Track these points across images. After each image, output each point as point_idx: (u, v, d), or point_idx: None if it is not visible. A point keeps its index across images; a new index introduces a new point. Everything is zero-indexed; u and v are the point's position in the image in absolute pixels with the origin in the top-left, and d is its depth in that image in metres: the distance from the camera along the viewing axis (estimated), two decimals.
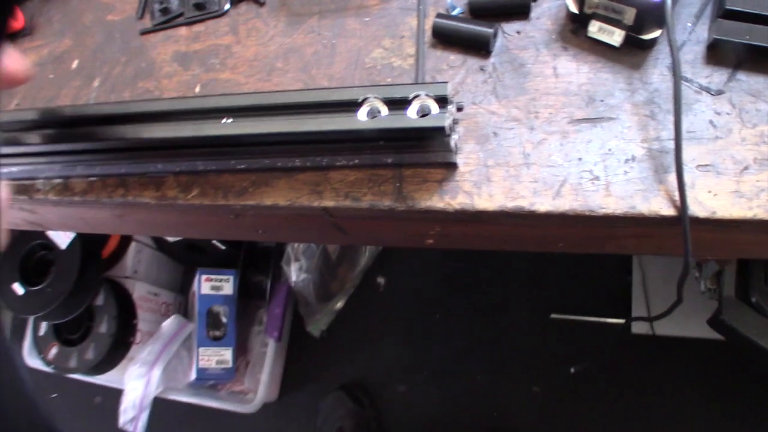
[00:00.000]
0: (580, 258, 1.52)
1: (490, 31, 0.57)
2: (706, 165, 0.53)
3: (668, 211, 0.52)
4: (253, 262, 1.66)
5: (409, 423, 1.54)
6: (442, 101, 0.50)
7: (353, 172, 0.58)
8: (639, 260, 1.39)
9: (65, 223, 0.81)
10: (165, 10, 0.68)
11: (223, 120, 0.54)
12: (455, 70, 0.59)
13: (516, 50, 0.59)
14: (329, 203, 0.57)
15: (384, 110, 0.51)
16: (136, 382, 1.53)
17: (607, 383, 1.43)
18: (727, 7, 0.54)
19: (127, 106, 0.56)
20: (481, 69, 0.59)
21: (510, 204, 0.54)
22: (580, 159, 0.55)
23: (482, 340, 1.55)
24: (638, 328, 1.37)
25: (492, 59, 0.59)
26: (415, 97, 0.50)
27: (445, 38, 0.59)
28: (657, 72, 0.56)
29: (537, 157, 0.55)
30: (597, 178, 0.54)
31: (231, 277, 1.61)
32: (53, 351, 1.56)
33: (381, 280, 1.69)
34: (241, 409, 1.53)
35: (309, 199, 0.58)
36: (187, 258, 1.72)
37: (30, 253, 1.56)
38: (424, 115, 0.50)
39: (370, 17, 0.63)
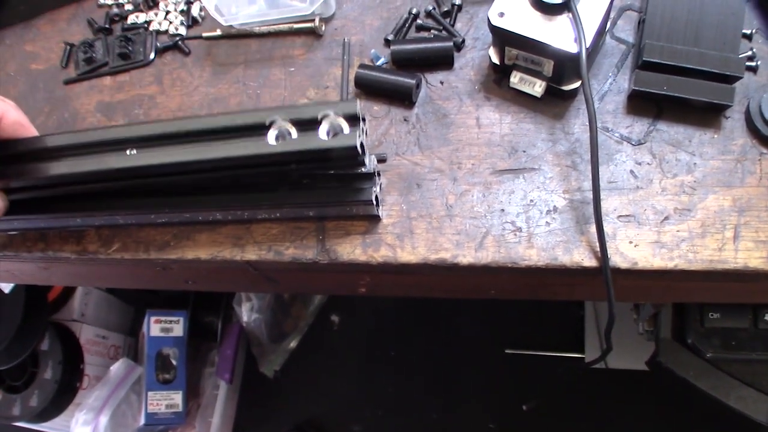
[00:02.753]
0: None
1: (413, 81, 0.57)
2: (627, 215, 0.53)
3: (590, 262, 0.52)
4: (204, 302, 1.63)
5: None
6: (353, 120, 0.48)
7: (276, 224, 0.57)
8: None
9: None
10: (89, 60, 0.67)
11: (128, 151, 0.51)
12: (379, 121, 0.59)
13: (439, 100, 0.59)
14: (252, 257, 0.56)
15: (294, 132, 0.49)
16: (83, 429, 1.48)
17: (562, 417, 1.43)
18: (644, 58, 0.55)
19: (28, 142, 0.53)
20: (405, 119, 0.59)
21: (433, 257, 0.54)
22: (502, 210, 0.54)
23: (438, 376, 1.53)
24: (591, 359, 1.37)
25: (416, 109, 0.59)
26: (324, 116, 0.48)
27: (368, 89, 0.59)
28: (579, 122, 0.56)
29: (460, 208, 0.55)
30: (519, 229, 0.54)
31: (181, 319, 1.57)
32: None
33: (335, 318, 1.67)
34: None
35: (231, 252, 0.57)
36: (137, 299, 1.68)
37: None
38: (336, 135, 0.48)
39: (295, 67, 0.62)
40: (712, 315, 0.77)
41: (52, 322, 1.53)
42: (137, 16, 0.67)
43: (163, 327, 1.57)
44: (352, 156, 0.48)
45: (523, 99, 0.58)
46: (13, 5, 0.70)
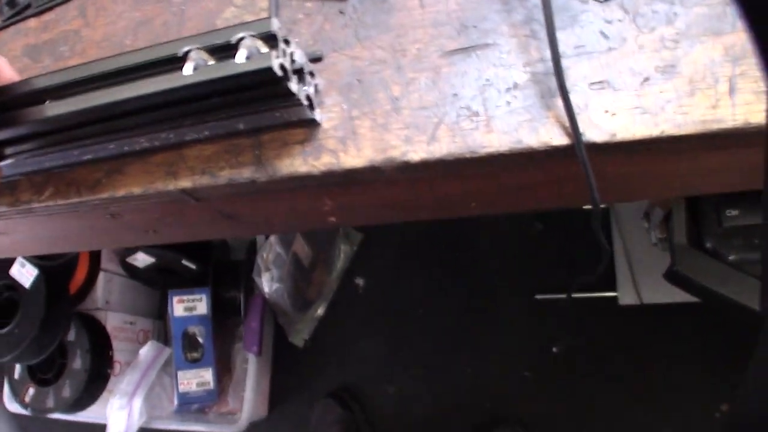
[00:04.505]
0: (560, 236, 1.44)
1: None
2: (600, 82, 0.46)
3: (560, 140, 0.45)
4: (224, 277, 1.60)
5: (401, 424, 1.46)
6: (272, 40, 0.43)
7: (209, 145, 0.51)
8: (619, 228, 1.30)
9: None
10: (12, 3, 0.62)
11: (47, 102, 0.47)
12: (311, 18, 0.52)
13: None
14: (186, 183, 0.51)
15: (210, 61, 0.44)
16: (118, 415, 1.47)
17: (597, 358, 1.35)
18: None
19: None
20: (340, 12, 0.52)
21: (380, 157, 0.47)
22: (455, 95, 0.47)
23: (468, 330, 1.46)
24: (625, 298, 1.27)
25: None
26: (240, 40, 0.43)
27: None
28: None
29: (407, 99, 0.48)
30: (476, 113, 0.46)
31: (203, 296, 1.55)
32: (30, 392, 1.51)
33: (360, 281, 1.61)
34: (229, 429, 1.46)
35: (164, 182, 0.51)
36: (158, 282, 1.66)
37: None
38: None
39: None
40: (729, 213, 0.68)
41: (78, 312, 1.52)
42: None
43: (187, 306, 1.55)
44: (272, 81, 0.42)
45: None
46: None
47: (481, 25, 0.48)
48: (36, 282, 1.44)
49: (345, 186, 0.52)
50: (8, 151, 0.51)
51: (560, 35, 0.46)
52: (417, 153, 0.46)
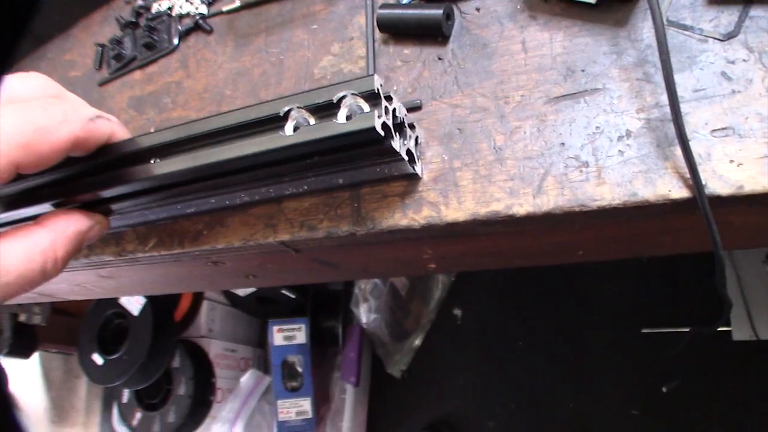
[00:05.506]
0: (665, 266, 1.36)
1: (440, 12, 0.49)
2: (724, 128, 0.42)
3: (680, 192, 0.41)
4: (323, 307, 1.62)
5: None
6: (374, 97, 0.42)
7: (307, 198, 0.51)
8: (731, 259, 1.21)
9: (63, 290, 0.78)
10: (118, 57, 0.64)
11: (152, 161, 0.48)
12: (410, 65, 0.51)
13: (477, 30, 0.50)
14: (285, 236, 0.50)
15: (311, 120, 0.43)
16: None
17: (709, 397, 1.26)
18: None
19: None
20: (439, 58, 0.50)
21: (483, 210, 0.45)
22: (562, 144, 0.45)
23: (570, 363, 1.41)
24: (739, 333, 1.19)
25: (450, 45, 0.50)
26: (342, 98, 0.42)
27: (395, 30, 0.51)
28: (647, 25, 0.45)
29: (511, 149, 0.46)
30: (585, 164, 0.44)
31: (302, 326, 1.57)
32: (137, 417, 1.56)
33: (457, 312, 1.58)
34: None
35: (264, 234, 0.51)
36: (259, 311, 1.70)
37: (106, 322, 1.58)
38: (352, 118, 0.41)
39: (317, 24, 0.56)
40: None
41: (182, 339, 1.57)
42: (160, 4, 0.64)
43: (286, 335, 1.57)
44: (374, 140, 0.41)
45: (575, 10, 0.47)
46: (49, 16, 0.69)
47: (589, 69, 0.46)
48: (143, 310, 1.50)
49: (446, 238, 0.50)
50: (115, 206, 0.52)
51: (677, 78, 0.43)
52: (522, 206, 0.44)
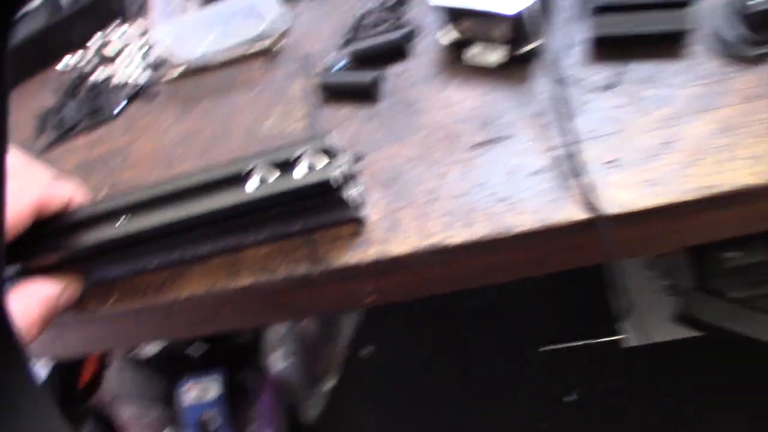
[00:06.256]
0: (553, 285, 1.50)
1: (369, 78, 0.57)
2: (612, 160, 0.52)
3: (581, 215, 0.51)
4: (235, 359, 1.62)
5: None
6: (328, 153, 0.49)
7: (264, 246, 0.56)
8: (619, 270, 1.36)
9: None
10: (60, 123, 0.67)
11: (121, 219, 0.52)
12: (348, 123, 0.59)
13: (403, 90, 0.58)
14: (245, 282, 0.56)
15: (275, 175, 0.49)
16: None
17: (612, 401, 1.39)
18: (598, 4, 0.54)
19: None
20: (373, 116, 0.58)
21: (424, 243, 0.53)
22: (484, 183, 0.53)
23: (479, 390, 1.50)
24: (633, 339, 1.32)
25: (382, 104, 0.58)
26: (301, 155, 0.49)
27: (332, 94, 0.59)
28: (544, 81, 0.56)
29: (442, 190, 0.54)
30: (505, 198, 0.52)
31: (216, 380, 1.56)
32: None
33: (366, 350, 1.65)
34: None
35: (225, 282, 0.56)
36: (169, 368, 1.68)
37: None
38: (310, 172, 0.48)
39: (258, 89, 0.62)
40: (730, 255, 0.74)
41: (89, 407, 1.53)
42: (99, 73, 0.68)
43: (199, 393, 1.56)
44: (329, 190, 0.48)
45: (484, 72, 0.57)
46: None
47: (500, 119, 0.55)
48: (46, 381, 1.45)
49: (389, 270, 0.57)
50: (84, 266, 0.55)
51: (577, 121, 0.53)
52: (456, 237, 0.52)
